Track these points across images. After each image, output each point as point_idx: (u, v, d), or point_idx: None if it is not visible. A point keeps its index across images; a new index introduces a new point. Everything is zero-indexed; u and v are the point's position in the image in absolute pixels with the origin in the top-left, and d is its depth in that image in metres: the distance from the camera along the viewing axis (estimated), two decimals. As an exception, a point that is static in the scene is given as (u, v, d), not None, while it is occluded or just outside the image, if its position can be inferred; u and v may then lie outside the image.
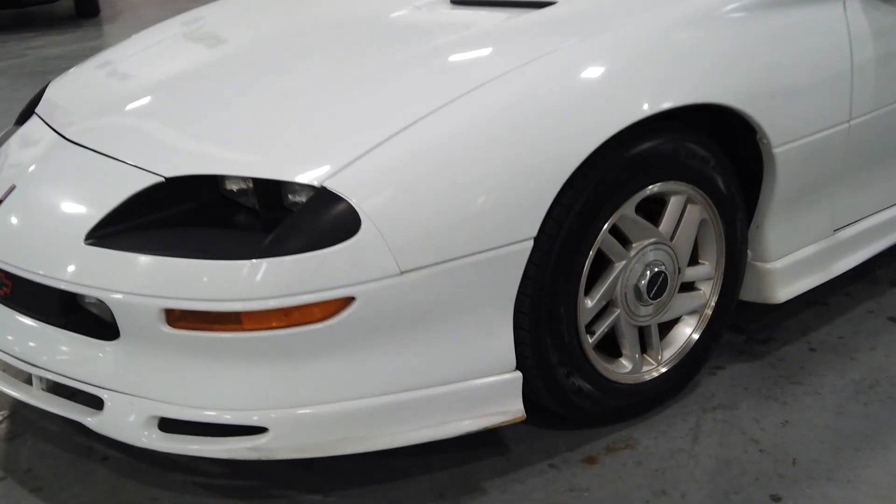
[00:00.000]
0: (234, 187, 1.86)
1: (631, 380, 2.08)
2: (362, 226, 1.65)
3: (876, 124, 2.32)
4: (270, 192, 1.77)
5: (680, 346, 2.16)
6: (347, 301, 1.67)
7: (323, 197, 1.68)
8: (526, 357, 1.89)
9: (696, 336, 2.17)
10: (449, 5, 2.39)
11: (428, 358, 1.79)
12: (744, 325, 2.51)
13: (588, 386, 2.00)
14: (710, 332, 2.20)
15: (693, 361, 2.19)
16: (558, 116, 1.81)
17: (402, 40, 2.24)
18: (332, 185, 1.69)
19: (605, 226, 1.91)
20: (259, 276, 1.64)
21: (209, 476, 2.00)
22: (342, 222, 1.66)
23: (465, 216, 1.72)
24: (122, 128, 2.13)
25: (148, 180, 1.83)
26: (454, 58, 2.07)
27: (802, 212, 2.28)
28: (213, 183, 1.86)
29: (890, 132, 2.39)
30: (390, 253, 1.66)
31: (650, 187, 1.97)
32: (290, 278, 1.64)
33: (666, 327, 2.18)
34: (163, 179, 1.82)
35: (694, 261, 2.17)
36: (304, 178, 1.71)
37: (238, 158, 1.86)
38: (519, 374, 1.89)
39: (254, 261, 1.65)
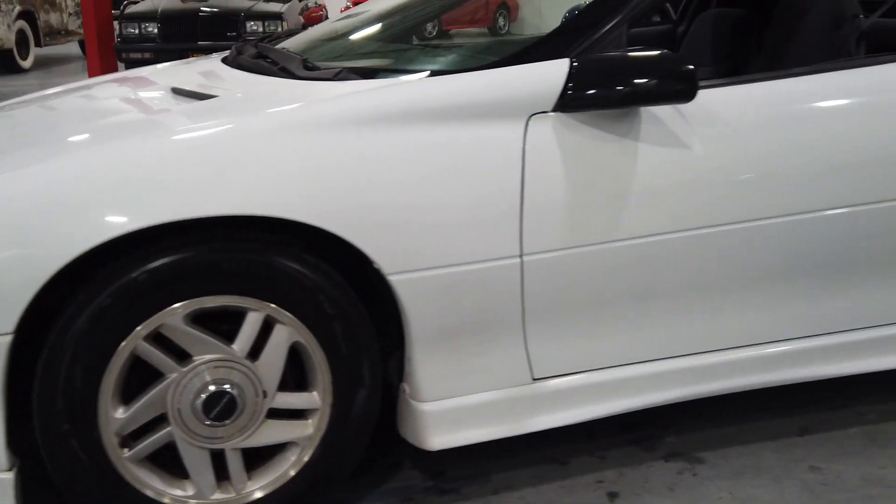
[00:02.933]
0: None
1: None
2: None
3: (576, 263, 1.99)
4: None
5: (271, 479, 1.95)
6: None
7: None
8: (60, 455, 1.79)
9: (292, 472, 1.95)
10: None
11: None
12: (446, 470, 2.23)
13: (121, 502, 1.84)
14: (316, 470, 1.96)
15: (290, 501, 1.96)
16: (56, 213, 1.71)
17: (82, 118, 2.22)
18: None
19: (134, 333, 1.76)
20: None
21: None
22: None
23: None
24: None
25: None
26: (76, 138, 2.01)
27: (474, 352, 2.00)
28: None
29: (613, 273, 2.05)
30: None
31: (205, 298, 1.80)
32: None
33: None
34: None
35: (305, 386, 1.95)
36: None
37: None
38: (10, 476, 1.77)
39: None
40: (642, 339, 2.14)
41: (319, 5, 12.57)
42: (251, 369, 1.86)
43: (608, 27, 2.03)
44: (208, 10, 9.64)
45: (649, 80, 1.92)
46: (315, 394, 1.94)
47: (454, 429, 2.03)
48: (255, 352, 1.87)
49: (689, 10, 3.57)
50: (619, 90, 1.92)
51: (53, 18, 13.48)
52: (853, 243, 2.19)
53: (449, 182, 1.88)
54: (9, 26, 11.94)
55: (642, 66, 1.93)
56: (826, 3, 2.64)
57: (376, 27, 2.77)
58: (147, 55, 9.09)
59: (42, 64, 13.17)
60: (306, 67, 2.24)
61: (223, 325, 1.86)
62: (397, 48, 2.55)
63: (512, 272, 1.95)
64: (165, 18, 9.55)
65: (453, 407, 2.02)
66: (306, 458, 1.95)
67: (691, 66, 1.92)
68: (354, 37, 2.68)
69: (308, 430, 1.94)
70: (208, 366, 1.84)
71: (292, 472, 1.95)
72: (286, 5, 10.26)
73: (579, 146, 1.97)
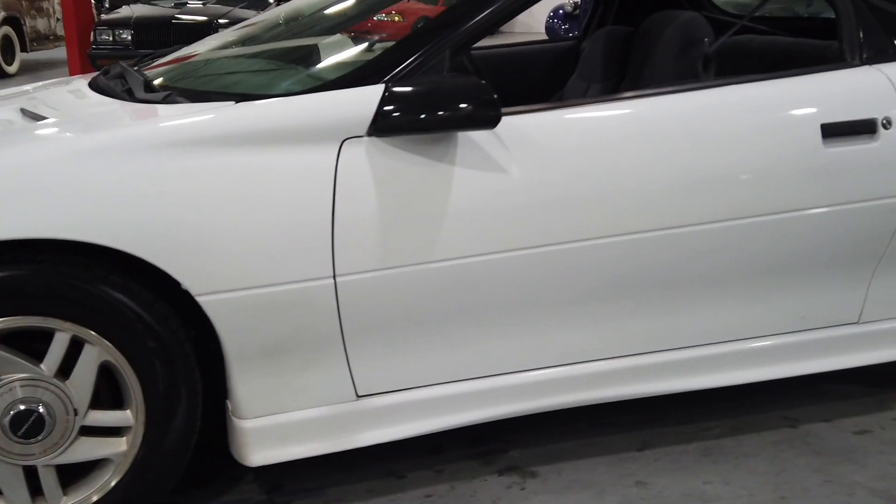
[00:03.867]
0: None
1: None
2: None
3: (392, 284, 2.04)
4: None
5: (86, 494, 2.01)
6: None
7: None
8: None
9: (95, 497, 2.01)
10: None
11: None
12: (284, 483, 2.28)
13: None
14: (132, 486, 2.02)
15: None
16: None
17: None
18: None
19: None
20: None
21: None
22: None
23: None
24: None
25: None
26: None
27: (297, 370, 2.06)
28: None
29: (432, 293, 2.10)
30: None
31: (8, 319, 1.86)
32: None
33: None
34: None
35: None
36: None
37: None
38: None
39: None
40: (471, 357, 2.19)
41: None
42: (61, 388, 1.92)
43: (425, 55, 2.08)
44: (182, 17, 9.72)
45: (454, 107, 1.97)
46: (128, 412, 1.99)
47: (277, 445, 2.08)
48: (66, 370, 1.92)
49: (592, 27, 3.62)
50: (424, 116, 1.97)
51: (41, 24, 13.60)
52: (675, 264, 2.24)
53: (260, 205, 1.93)
54: (-8, 33, 12.07)
55: (448, 94, 1.97)
56: (677, 26, 2.69)
57: (244, 46, 2.82)
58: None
59: (29, 69, 13.28)
60: (146, 89, 2.30)
61: (40, 343, 1.92)
62: (249, 69, 2.60)
63: (326, 293, 2.00)
64: (139, 25, 9.63)
65: (275, 424, 2.07)
66: (121, 475, 2.01)
67: (494, 95, 1.97)
68: (218, 55, 2.73)
69: (122, 447, 2.00)
70: (19, 383, 1.89)
71: (112, 483, 2.00)
72: (262, 12, 10.31)
73: (393, 170, 2.02)
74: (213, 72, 2.59)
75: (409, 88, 2.00)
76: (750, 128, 2.27)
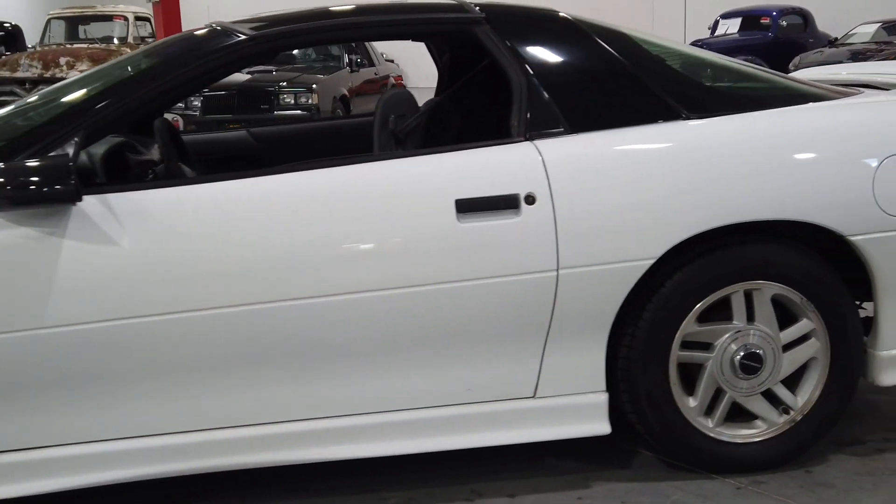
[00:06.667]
0: None
1: None
2: None
3: (10, 347, 2.22)
4: None
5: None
6: None
7: None
8: None
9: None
10: None
11: None
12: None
13: None
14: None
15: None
16: None
17: None
18: None
19: None
20: None
21: None
22: None
23: None
24: None
25: None
26: None
27: None
28: None
29: (51, 357, 2.26)
30: None
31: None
32: None
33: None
34: None
35: None
36: None
37: None
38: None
39: None
40: (103, 419, 2.33)
41: (386, 77, 12.78)
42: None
43: (53, 141, 2.26)
44: (245, 84, 10.27)
45: (33, 184, 2.14)
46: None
47: None
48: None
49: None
50: (9, 191, 2.15)
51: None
52: (313, 334, 2.33)
53: None
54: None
55: (31, 172, 2.15)
56: (383, 101, 2.79)
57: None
58: (191, 128, 9.76)
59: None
60: None
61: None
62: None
63: None
64: (208, 95, 10.24)
65: None
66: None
67: (71, 175, 2.13)
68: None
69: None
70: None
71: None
72: (328, 76, 10.76)
73: (8, 241, 2.20)
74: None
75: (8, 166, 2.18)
76: (387, 202, 2.33)
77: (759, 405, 2.57)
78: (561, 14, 2.67)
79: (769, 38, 15.86)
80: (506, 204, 2.34)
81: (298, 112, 10.09)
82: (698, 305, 2.46)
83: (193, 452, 2.38)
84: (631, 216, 2.37)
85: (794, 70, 10.10)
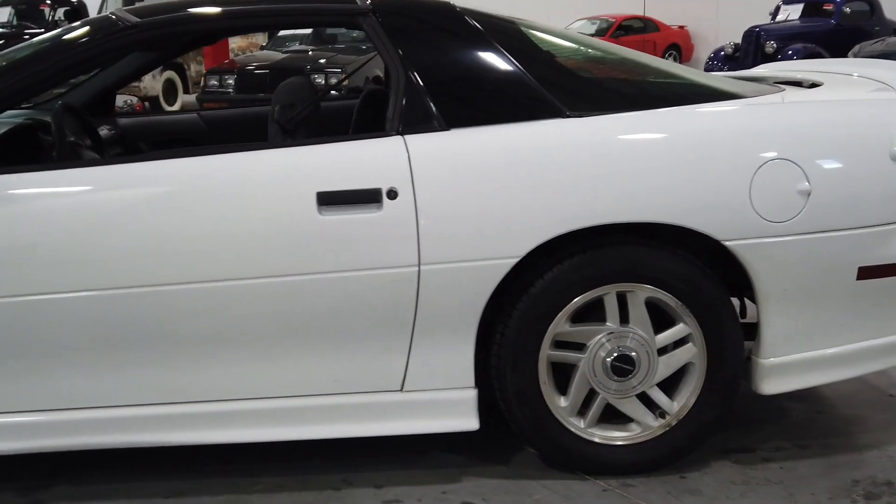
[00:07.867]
0: None
1: None
2: None
3: None
4: None
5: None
6: None
7: None
8: None
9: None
10: None
11: None
12: None
13: None
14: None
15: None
16: None
17: None
18: None
19: None
20: None
21: None
22: None
23: None
24: None
25: None
26: None
27: None
28: None
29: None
30: None
31: None
32: None
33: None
34: None
35: None
36: None
37: None
38: None
39: None
40: None
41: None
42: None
43: None
44: (279, 63, 10.40)
45: None
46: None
47: None
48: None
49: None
50: None
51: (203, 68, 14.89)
52: (171, 321, 2.37)
53: None
54: (154, 76, 13.32)
55: None
56: (280, 90, 2.82)
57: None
58: (224, 105, 9.92)
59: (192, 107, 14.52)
60: None
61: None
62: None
63: None
64: (241, 73, 10.41)
65: None
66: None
67: None
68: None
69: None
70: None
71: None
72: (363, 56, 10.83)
73: None
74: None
75: None
76: (249, 192, 2.36)
77: (633, 408, 2.53)
78: (454, 7, 2.65)
79: (831, 25, 15.35)
80: (367, 198, 2.34)
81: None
82: (568, 306, 2.44)
83: (61, 430, 2.44)
84: (495, 214, 2.36)
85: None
